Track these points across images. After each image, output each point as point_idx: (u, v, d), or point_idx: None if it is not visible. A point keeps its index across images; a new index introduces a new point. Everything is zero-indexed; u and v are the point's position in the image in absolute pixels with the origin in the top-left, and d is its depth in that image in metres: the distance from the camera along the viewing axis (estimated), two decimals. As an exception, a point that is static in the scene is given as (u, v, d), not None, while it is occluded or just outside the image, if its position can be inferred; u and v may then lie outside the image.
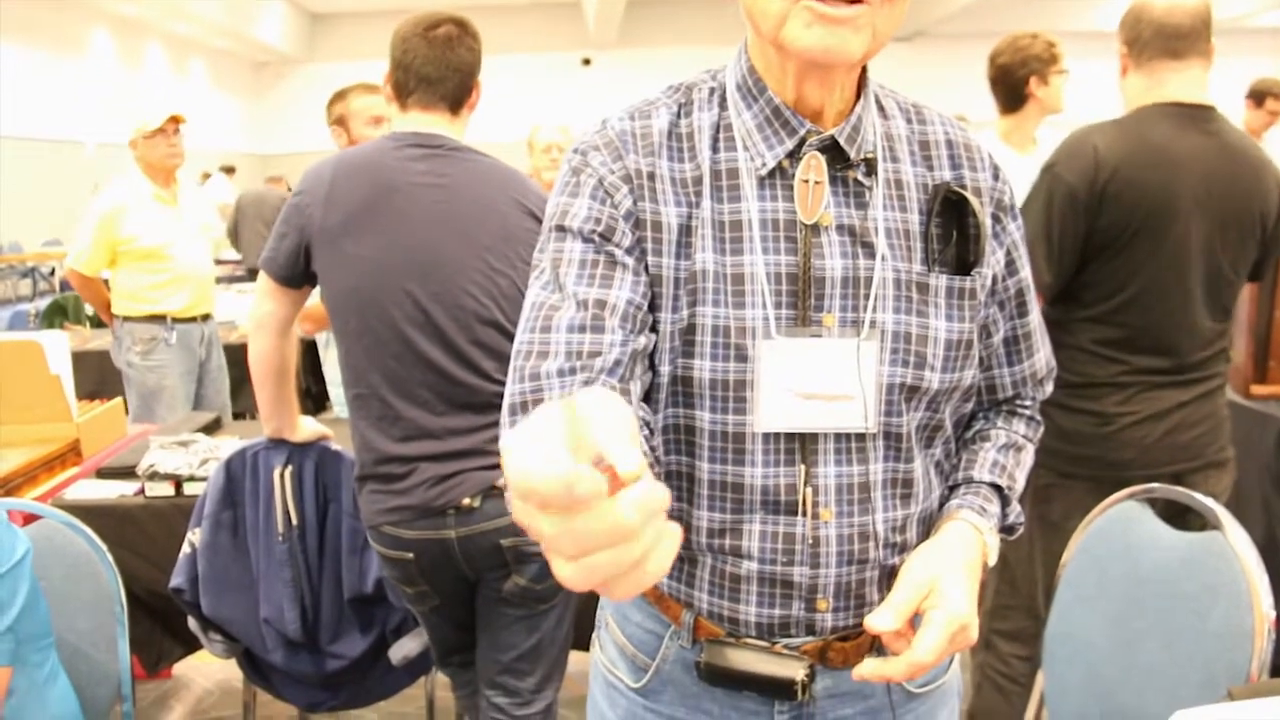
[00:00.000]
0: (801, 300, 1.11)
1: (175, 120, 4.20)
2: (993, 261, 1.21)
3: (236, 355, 5.33)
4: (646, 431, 1.04)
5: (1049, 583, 2.36)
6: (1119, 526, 1.90)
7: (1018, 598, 2.50)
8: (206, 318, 4.47)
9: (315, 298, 2.27)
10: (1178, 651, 1.72)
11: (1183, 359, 2.31)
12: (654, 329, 1.11)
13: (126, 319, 4.28)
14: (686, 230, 1.12)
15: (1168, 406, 2.31)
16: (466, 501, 2.10)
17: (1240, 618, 1.62)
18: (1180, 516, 1.92)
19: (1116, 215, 2.23)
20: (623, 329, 1.06)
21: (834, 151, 1.12)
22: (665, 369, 1.12)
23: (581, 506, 0.58)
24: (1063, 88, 3.40)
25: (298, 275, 2.17)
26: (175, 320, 4.30)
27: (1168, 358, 2.30)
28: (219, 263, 9.90)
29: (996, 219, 1.21)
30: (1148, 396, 2.31)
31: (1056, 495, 2.35)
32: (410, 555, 2.15)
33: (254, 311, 2.23)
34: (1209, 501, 1.78)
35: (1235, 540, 1.67)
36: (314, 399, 5.29)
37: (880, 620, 1.03)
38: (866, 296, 1.12)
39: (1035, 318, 1.29)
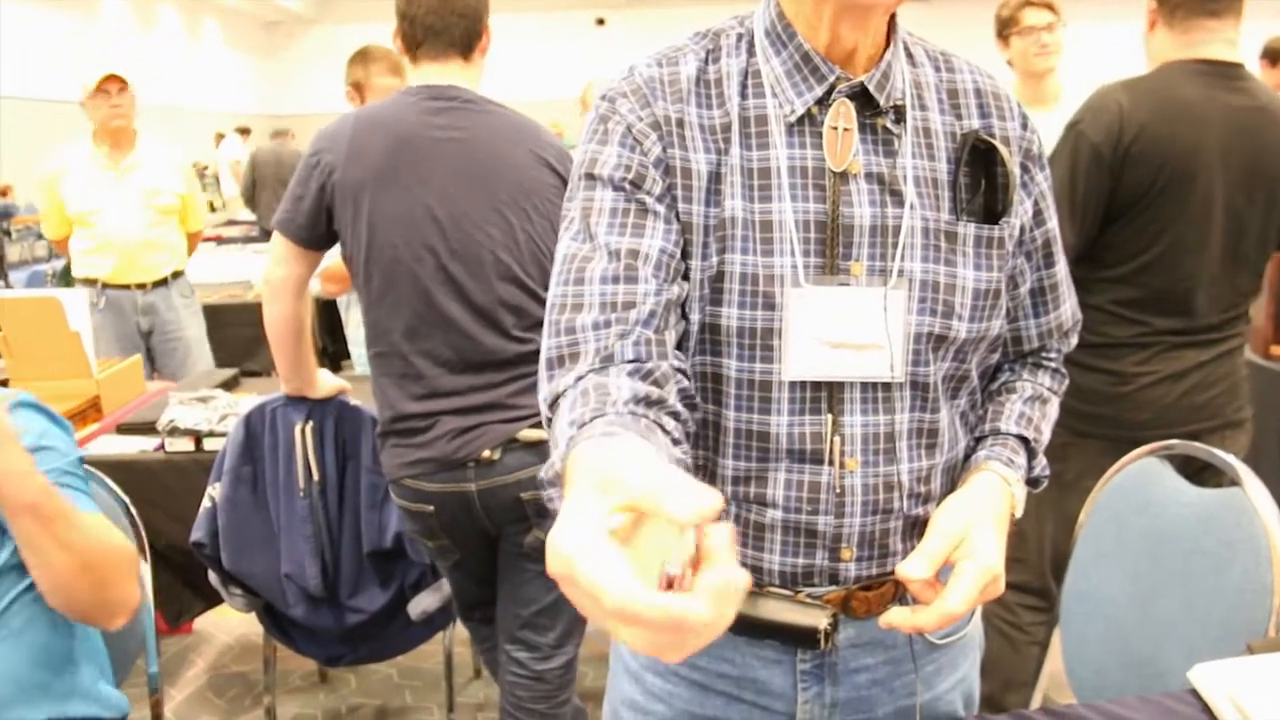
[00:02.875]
0: (829, 248, 1.10)
1: (113, 80, 4.11)
2: (1020, 211, 1.20)
3: (252, 315, 5.35)
4: (685, 381, 1.04)
5: (1058, 540, 2.36)
6: (1138, 483, 1.90)
7: (1025, 551, 2.50)
8: (144, 286, 4.34)
9: (336, 256, 2.26)
10: (1196, 607, 1.72)
11: (1204, 320, 2.29)
12: (686, 276, 1.11)
13: (78, 280, 4.31)
14: (716, 177, 1.11)
15: (1187, 367, 2.29)
16: (487, 454, 2.10)
17: (1260, 574, 1.61)
18: (1198, 474, 1.92)
19: (1141, 174, 2.21)
20: (656, 278, 1.06)
21: (863, 98, 1.11)
22: (695, 317, 1.12)
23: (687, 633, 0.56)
24: (1026, 48, 3.39)
25: (318, 237, 2.17)
26: (105, 285, 4.28)
27: (1189, 319, 2.29)
28: (233, 223, 9.93)
29: (1025, 169, 1.21)
30: (1167, 357, 2.29)
31: (1071, 454, 2.34)
32: (431, 508, 2.16)
33: (270, 275, 2.21)
34: (1229, 458, 1.77)
35: (1255, 496, 1.67)
36: (330, 357, 5.30)
37: (913, 568, 1.03)
38: (894, 245, 1.11)
39: (1062, 269, 1.28)
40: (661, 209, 1.10)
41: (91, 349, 3.17)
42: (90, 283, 4.27)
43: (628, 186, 1.10)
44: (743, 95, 1.13)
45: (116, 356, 4.29)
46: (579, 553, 0.57)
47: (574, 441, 0.84)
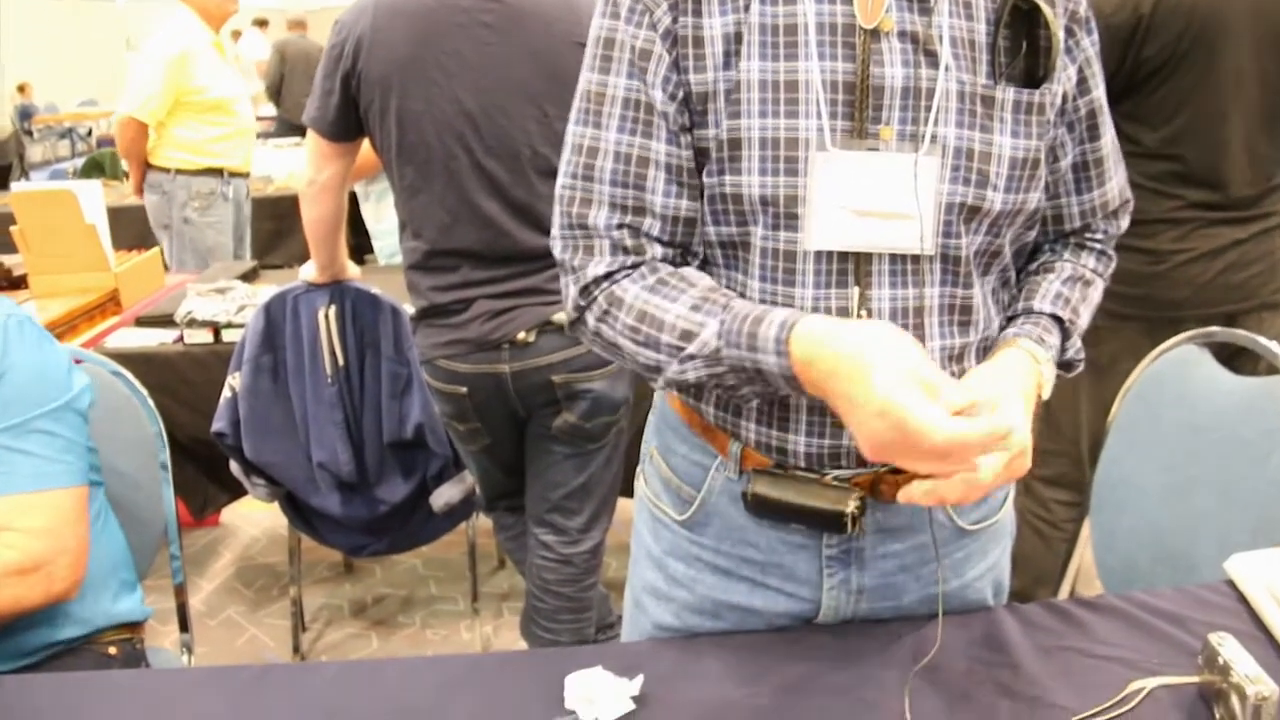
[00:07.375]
0: (858, 111, 1.04)
1: None
2: (1063, 78, 1.13)
3: (274, 209, 5.31)
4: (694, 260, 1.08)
5: (1095, 428, 2.31)
6: (1175, 371, 1.84)
7: (1060, 442, 2.46)
8: (249, 174, 4.43)
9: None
10: (1233, 498, 1.67)
11: (1239, 192, 2.23)
12: (700, 191, 1.11)
13: (180, 172, 4.14)
14: (735, 38, 1.05)
15: (1223, 244, 2.23)
16: (521, 336, 2.09)
17: (1300, 463, 1.57)
18: (1234, 358, 1.86)
19: (1163, 41, 2.13)
20: (665, 185, 1.08)
21: None
22: (716, 185, 1.08)
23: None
24: None
25: (352, 128, 2.11)
26: (231, 174, 4.21)
27: (1223, 191, 2.22)
28: (258, 119, 9.83)
29: (1070, 32, 1.13)
30: (1203, 234, 2.23)
31: (1106, 338, 2.29)
32: (464, 390, 2.15)
33: (314, 178, 2.17)
34: (1272, 344, 1.71)
35: (1297, 384, 1.61)
36: (353, 250, 5.27)
37: None
38: (927, 108, 1.04)
39: (1108, 143, 1.21)
40: (671, 110, 1.08)
41: (109, 242, 3.14)
42: (215, 173, 4.17)
43: (638, 73, 1.07)
44: None
45: (234, 245, 4.26)
46: (912, 402, 0.88)
47: (749, 331, 1.01)
